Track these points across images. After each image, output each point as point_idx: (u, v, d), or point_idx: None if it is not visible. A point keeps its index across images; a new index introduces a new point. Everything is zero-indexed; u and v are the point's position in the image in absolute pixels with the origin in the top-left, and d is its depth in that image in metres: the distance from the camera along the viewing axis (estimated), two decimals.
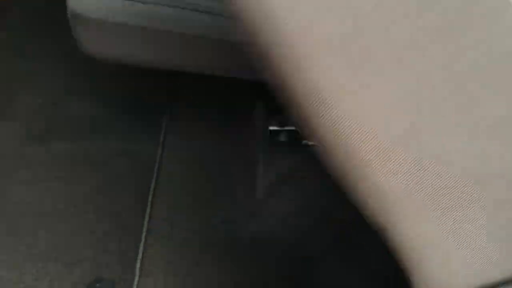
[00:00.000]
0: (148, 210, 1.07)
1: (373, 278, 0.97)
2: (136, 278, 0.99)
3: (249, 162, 1.17)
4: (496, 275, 0.40)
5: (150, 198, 1.11)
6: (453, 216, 0.39)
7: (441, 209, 0.39)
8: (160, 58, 1.02)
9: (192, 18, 0.96)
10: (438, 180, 0.38)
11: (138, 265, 1.00)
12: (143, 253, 1.02)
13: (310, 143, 1.09)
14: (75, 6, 0.94)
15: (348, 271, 0.98)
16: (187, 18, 0.96)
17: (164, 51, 1.00)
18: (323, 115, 0.38)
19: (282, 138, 1.09)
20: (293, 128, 1.11)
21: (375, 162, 0.39)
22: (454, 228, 0.39)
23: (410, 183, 0.38)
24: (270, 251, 0.99)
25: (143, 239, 1.04)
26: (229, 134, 1.28)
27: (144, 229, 1.03)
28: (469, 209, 0.38)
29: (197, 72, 1.07)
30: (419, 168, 0.38)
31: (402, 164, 0.38)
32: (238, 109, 1.37)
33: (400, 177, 0.38)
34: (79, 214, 1.06)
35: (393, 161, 0.38)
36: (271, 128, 1.11)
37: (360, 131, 0.38)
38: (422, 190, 0.38)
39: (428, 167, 0.37)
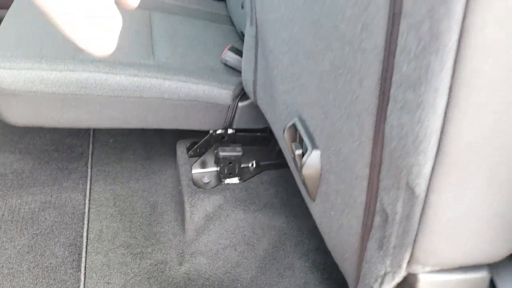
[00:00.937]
0: (83, 263, 1.11)
1: None
2: None
3: (176, 204, 1.24)
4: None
5: (84, 250, 1.15)
6: None
7: None
8: (80, 119, 1.07)
9: (109, 81, 1.03)
10: None
11: None
12: None
13: (232, 182, 1.19)
14: None
15: None
16: (104, 80, 1.02)
17: (83, 113, 1.06)
18: None
19: (205, 179, 1.18)
20: (214, 169, 1.21)
21: None
22: None
23: None
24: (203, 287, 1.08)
25: None
26: (154, 177, 1.35)
27: (82, 283, 1.07)
28: None
29: (115, 128, 1.13)
30: None
31: None
32: (159, 152, 1.45)
33: None
34: (13, 275, 1.08)
35: None
36: (194, 171, 1.20)
37: None
38: None
39: None
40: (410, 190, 0.40)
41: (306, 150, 0.66)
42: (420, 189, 0.39)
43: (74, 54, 1.05)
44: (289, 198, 1.19)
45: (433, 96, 0.35)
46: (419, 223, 0.41)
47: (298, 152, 0.68)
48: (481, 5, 0.31)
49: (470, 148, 0.37)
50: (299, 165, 0.67)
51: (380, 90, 0.42)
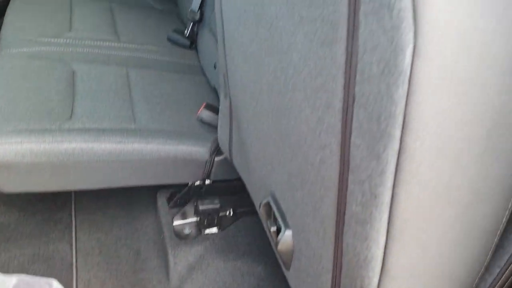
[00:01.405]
0: None
1: None
2: None
3: (159, 251, 1.33)
4: None
5: None
6: None
7: None
8: (66, 183, 1.15)
9: (95, 149, 1.11)
10: None
11: None
12: None
13: (211, 232, 1.28)
14: None
15: None
16: (91, 149, 1.11)
17: (70, 178, 1.13)
18: None
19: (186, 230, 1.27)
20: (194, 219, 1.30)
21: None
22: None
23: None
24: None
25: None
26: (137, 225, 1.43)
27: None
28: None
29: (102, 188, 1.21)
30: None
31: None
32: (139, 198, 1.53)
33: None
34: None
35: None
36: (175, 222, 1.29)
37: None
38: None
39: None
40: None
41: (280, 227, 0.77)
42: None
43: (60, 124, 1.13)
44: (266, 244, 1.29)
45: (376, 234, 0.46)
46: None
47: (273, 229, 0.78)
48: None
49: (409, 267, 0.49)
50: (274, 241, 0.77)
51: (337, 216, 0.53)
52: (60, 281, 1.29)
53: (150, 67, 1.48)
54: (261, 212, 0.83)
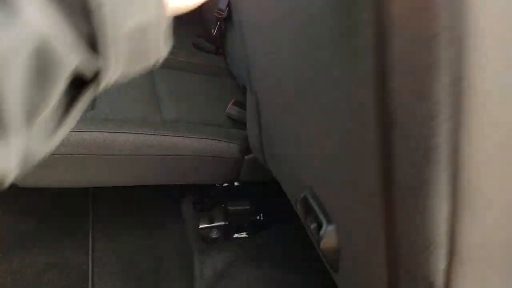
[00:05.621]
0: None
1: None
2: None
3: (184, 261, 1.22)
4: None
5: None
6: None
7: None
8: (85, 180, 1.06)
9: (118, 140, 1.03)
10: None
11: None
12: None
13: (240, 236, 1.18)
14: None
15: None
16: (113, 139, 1.02)
17: (89, 173, 1.05)
18: None
19: (214, 234, 1.16)
20: (222, 223, 1.19)
21: None
22: None
23: None
24: None
25: None
26: (158, 233, 1.33)
27: None
28: None
29: (123, 185, 1.12)
30: None
31: None
32: (160, 206, 1.43)
33: None
34: None
35: None
36: (202, 226, 1.18)
37: None
38: None
39: None
40: (429, 284, 0.42)
41: (321, 223, 0.66)
42: (439, 283, 0.41)
43: (82, 114, 1.05)
44: (301, 252, 1.17)
45: (438, 201, 0.37)
46: None
47: (313, 226, 0.68)
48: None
49: (480, 243, 0.39)
50: (316, 239, 0.67)
51: (385, 195, 0.44)
52: None
53: (176, 68, 1.41)
54: (299, 209, 0.73)
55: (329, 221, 0.64)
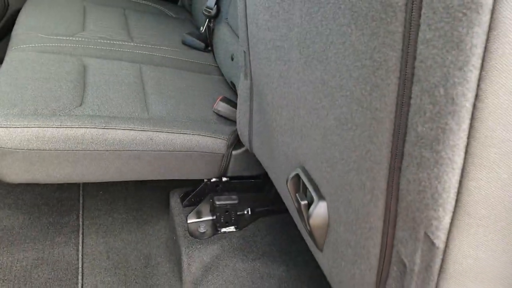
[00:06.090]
0: None
1: None
2: None
3: (173, 256, 1.23)
4: None
5: None
6: None
7: None
8: (75, 174, 1.07)
9: (105, 136, 1.04)
10: None
11: None
12: None
13: (228, 230, 1.19)
14: None
15: None
16: (101, 135, 1.03)
17: (78, 168, 1.06)
18: None
19: (201, 229, 1.17)
20: (210, 218, 1.21)
21: None
22: None
23: None
24: None
25: None
26: (148, 229, 1.34)
27: None
28: None
29: (112, 180, 1.13)
30: None
31: None
32: (150, 201, 1.45)
33: None
34: None
35: None
36: (189, 221, 1.20)
37: None
38: None
39: None
40: (430, 242, 0.42)
41: (311, 200, 0.68)
42: (440, 241, 0.41)
43: (69, 111, 1.06)
44: (287, 245, 1.19)
45: (451, 153, 0.37)
46: (439, 273, 0.43)
47: (304, 202, 0.69)
48: (495, 74, 0.34)
49: (487, 201, 0.39)
50: (305, 216, 0.68)
51: (393, 146, 0.45)
52: (65, 286, 1.20)
53: (164, 65, 1.43)
54: (289, 187, 0.75)
55: (321, 197, 0.65)
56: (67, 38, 1.44)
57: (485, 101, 0.35)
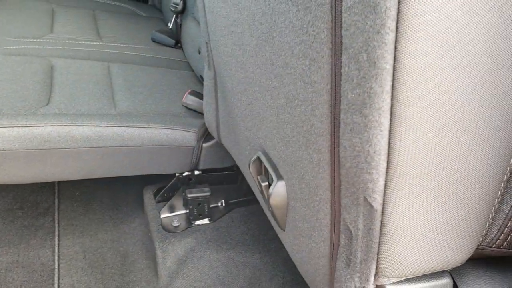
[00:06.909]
0: None
1: None
2: None
3: (149, 252, 1.24)
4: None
5: None
6: None
7: None
8: (45, 173, 1.07)
9: (72, 133, 1.04)
10: None
11: None
12: None
13: (202, 223, 1.20)
14: None
15: None
16: (67, 133, 1.03)
17: (48, 167, 1.06)
18: None
19: (175, 223, 1.18)
20: (183, 211, 1.21)
21: None
22: None
23: None
24: None
25: None
26: (123, 227, 1.34)
27: None
28: None
29: (80, 179, 1.13)
30: None
31: None
32: (126, 200, 1.45)
33: None
34: None
35: None
36: (163, 215, 1.20)
37: None
38: None
39: None
40: (368, 205, 0.43)
41: (272, 181, 0.69)
42: (377, 203, 0.42)
43: (36, 110, 1.06)
44: (261, 233, 1.20)
45: (378, 116, 0.39)
46: (380, 236, 0.44)
47: (264, 184, 0.70)
48: (409, 34, 0.35)
49: (416, 160, 0.41)
50: (266, 196, 0.70)
51: (331, 116, 0.46)
52: (41, 287, 1.20)
53: (133, 62, 1.43)
54: (251, 170, 0.76)
55: (279, 177, 0.67)
56: (35, 40, 1.44)
57: (403, 62, 0.36)
